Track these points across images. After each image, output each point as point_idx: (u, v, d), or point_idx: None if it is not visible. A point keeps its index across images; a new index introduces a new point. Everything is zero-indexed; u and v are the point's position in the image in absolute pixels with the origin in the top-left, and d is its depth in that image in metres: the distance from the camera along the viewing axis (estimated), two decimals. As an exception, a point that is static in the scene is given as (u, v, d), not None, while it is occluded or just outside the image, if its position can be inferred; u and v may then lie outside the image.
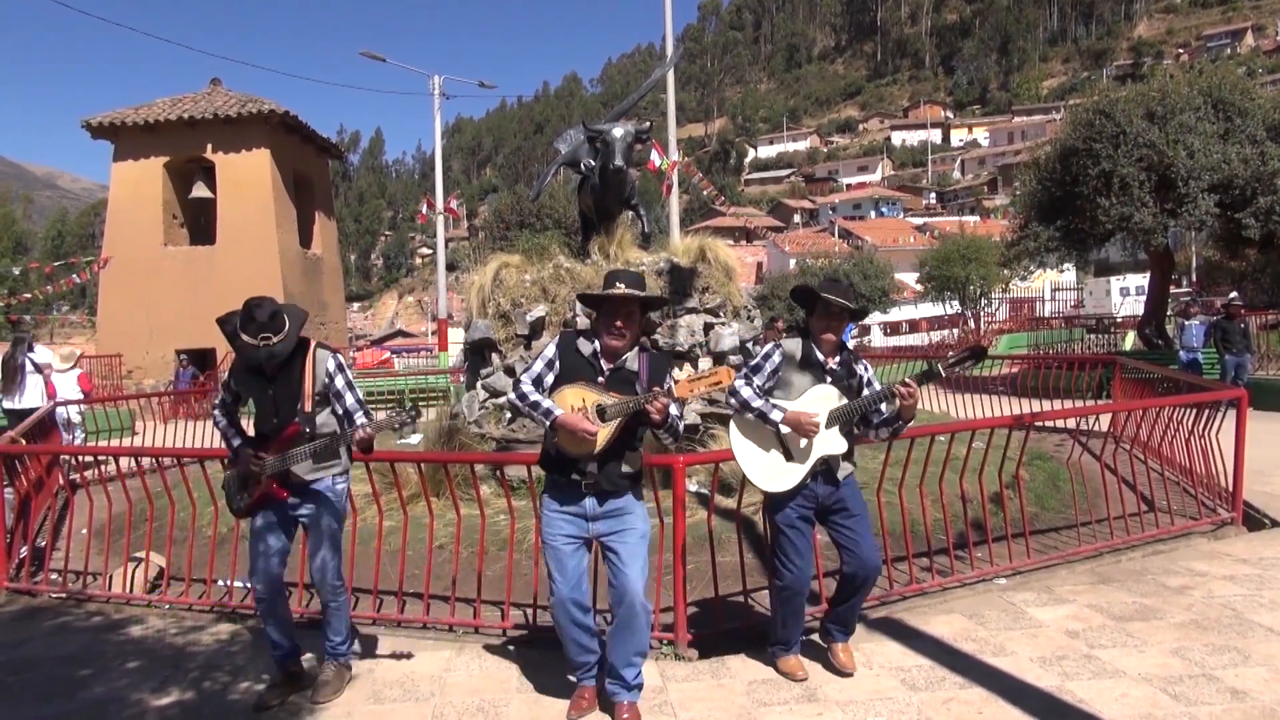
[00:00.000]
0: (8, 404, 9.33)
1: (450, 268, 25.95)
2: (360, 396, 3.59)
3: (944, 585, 4.74)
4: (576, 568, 3.28)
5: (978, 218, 59.58)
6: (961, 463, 5.14)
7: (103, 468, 7.22)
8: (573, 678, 3.47)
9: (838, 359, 3.59)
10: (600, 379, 3.29)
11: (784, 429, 3.45)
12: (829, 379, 3.53)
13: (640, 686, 3.36)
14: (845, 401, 3.49)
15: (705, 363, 7.11)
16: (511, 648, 4.14)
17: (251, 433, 3.64)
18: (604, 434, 3.19)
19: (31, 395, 9.25)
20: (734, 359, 7.13)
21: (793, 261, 43.11)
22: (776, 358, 3.57)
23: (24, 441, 6.48)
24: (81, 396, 10.24)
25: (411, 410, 3.44)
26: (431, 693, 3.65)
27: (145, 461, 5.80)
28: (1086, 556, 5.17)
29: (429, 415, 11.41)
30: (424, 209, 24.82)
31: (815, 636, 4.02)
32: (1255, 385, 11.48)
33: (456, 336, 20.39)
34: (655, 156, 17.01)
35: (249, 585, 4.35)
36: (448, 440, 6.97)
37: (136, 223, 18.20)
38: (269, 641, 3.66)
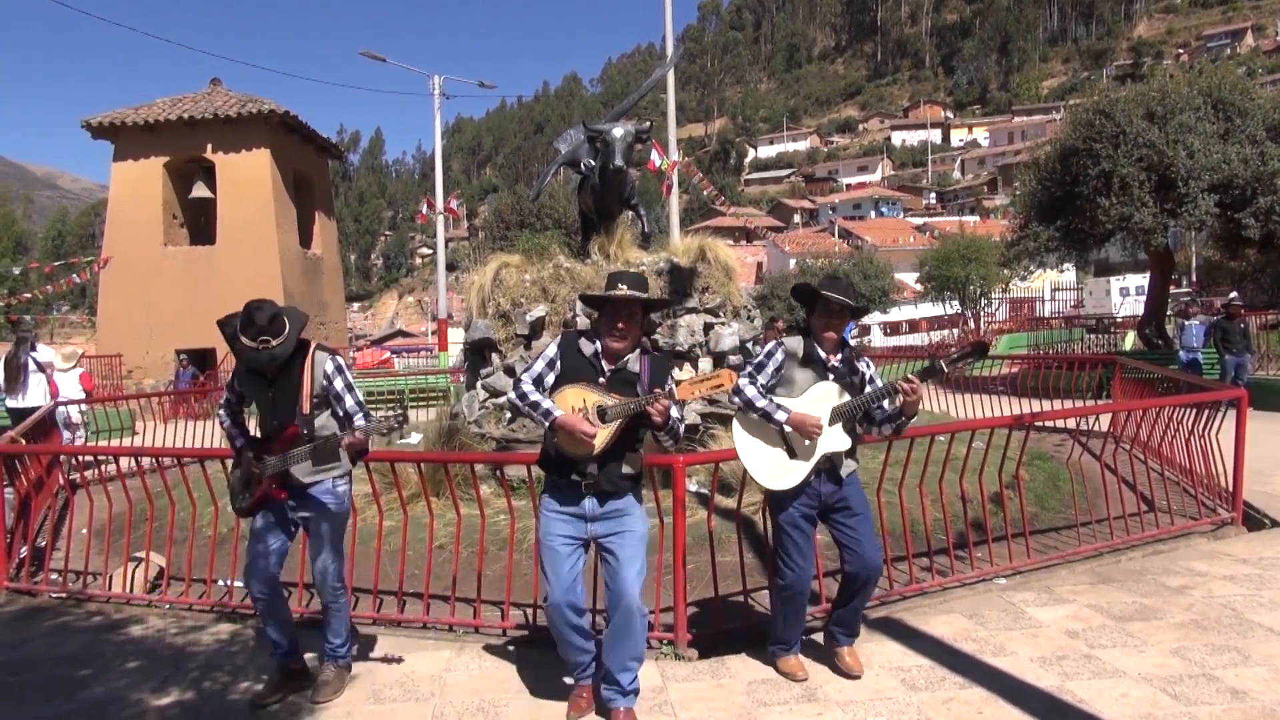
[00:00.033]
0: (11, 403, 9.36)
1: (450, 268, 25.96)
2: (361, 399, 3.58)
3: (944, 585, 4.74)
4: (572, 570, 3.25)
5: (978, 218, 59.58)
6: (961, 463, 5.14)
7: (103, 468, 7.22)
8: (569, 679, 3.46)
9: (840, 356, 3.59)
10: (601, 380, 3.28)
11: (787, 428, 3.45)
12: (831, 376, 3.53)
13: (636, 692, 3.35)
14: (848, 398, 3.49)
15: (705, 363, 7.11)
16: (511, 648, 4.14)
17: (256, 433, 3.64)
18: (604, 435, 3.18)
19: (34, 394, 9.28)
20: (734, 359, 7.13)
21: (793, 261, 43.11)
22: (779, 355, 3.57)
23: (24, 441, 6.49)
24: (83, 396, 10.27)
25: (399, 415, 3.40)
26: (431, 693, 3.65)
27: (145, 461, 5.80)
28: (1086, 556, 5.17)
29: (429, 415, 11.43)
30: (424, 209, 24.82)
31: (815, 636, 4.02)
32: (1255, 385, 11.47)
33: (456, 336, 20.38)
34: (655, 156, 17.01)
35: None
36: (448, 440, 6.97)
37: (136, 223, 18.21)
38: (269, 640, 3.66)
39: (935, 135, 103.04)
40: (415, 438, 8.81)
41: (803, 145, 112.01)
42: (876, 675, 3.68)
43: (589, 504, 3.27)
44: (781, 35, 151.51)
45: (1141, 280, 27.22)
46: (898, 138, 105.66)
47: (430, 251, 72.99)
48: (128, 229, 18.27)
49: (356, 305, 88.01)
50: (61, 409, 9.58)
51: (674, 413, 3.23)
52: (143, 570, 5.15)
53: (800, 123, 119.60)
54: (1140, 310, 20.73)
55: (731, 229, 51.12)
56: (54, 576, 5.40)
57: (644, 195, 9.01)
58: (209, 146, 18.29)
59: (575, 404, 3.20)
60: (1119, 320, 25.95)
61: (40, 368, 9.47)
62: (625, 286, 3.28)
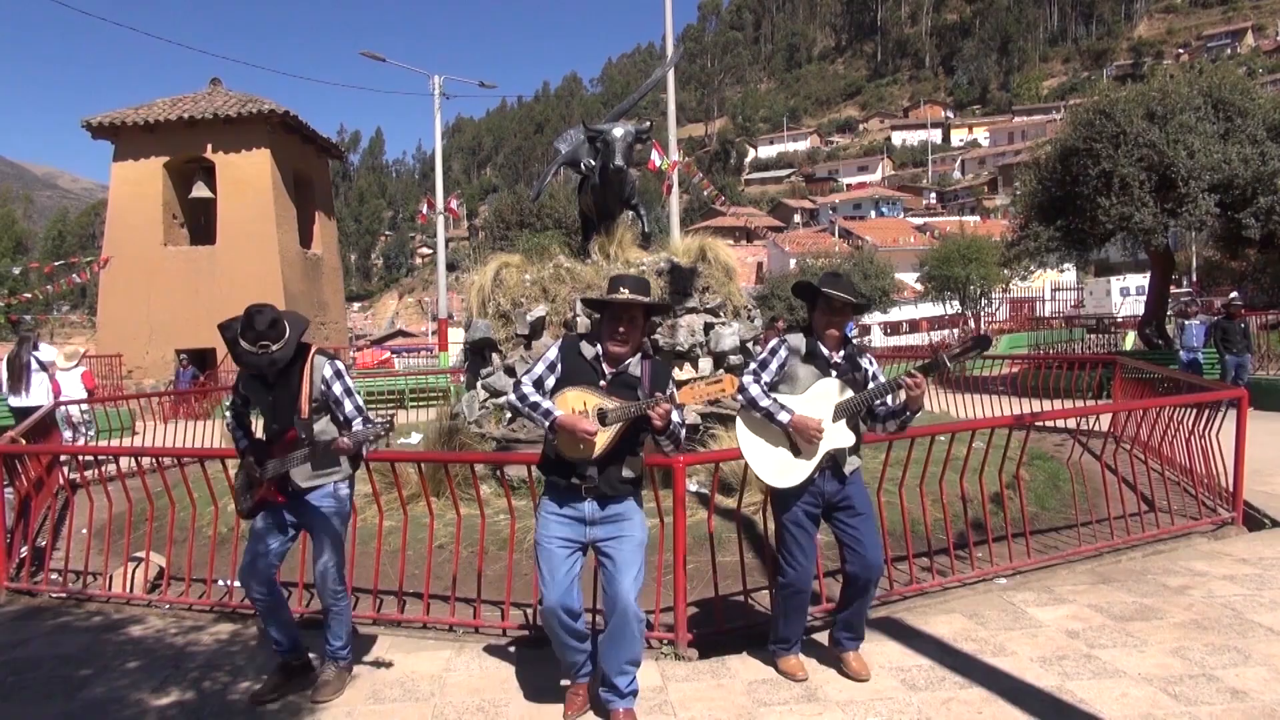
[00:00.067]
0: (14, 401, 9.43)
1: (450, 268, 25.94)
2: (360, 403, 3.57)
3: (944, 585, 4.74)
4: (569, 574, 3.23)
5: (978, 218, 59.61)
6: (962, 463, 5.14)
7: (103, 468, 7.22)
8: (566, 681, 3.45)
9: (842, 353, 3.59)
10: (602, 383, 3.27)
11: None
12: (834, 373, 3.53)
13: (635, 693, 3.34)
14: (851, 394, 3.49)
15: (705, 362, 7.11)
16: (511, 648, 4.14)
17: (261, 436, 3.65)
18: (604, 438, 3.17)
19: (38, 393, 9.36)
20: (734, 359, 7.13)
21: (793, 261, 43.12)
22: (783, 353, 3.57)
23: (24, 441, 6.49)
24: (85, 395, 10.30)
25: (385, 423, 3.38)
26: (431, 692, 3.65)
27: (145, 461, 5.79)
28: (1087, 556, 5.17)
29: (429, 415, 11.42)
30: (424, 209, 24.83)
31: (816, 636, 4.02)
32: (1255, 385, 11.48)
33: (457, 336, 20.38)
34: (655, 156, 17.01)
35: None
36: (448, 440, 6.97)
37: (136, 223, 18.21)
38: (270, 638, 3.69)
39: (935, 135, 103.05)
40: (415, 438, 8.81)
41: (803, 145, 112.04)
42: (876, 675, 3.67)
43: (589, 507, 3.26)
44: (781, 35, 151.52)
45: (1142, 280, 27.23)
46: (898, 138, 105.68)
47: (430, 251, 73.04)
48: (128, 229, 18.27)
49: (357, 305, 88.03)
50: (65, 408, 9.64)
51: (675, 417, 3.22)
52: (143, 570, 5.15)
53: (800, 123, 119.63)
54: (1140, 310, 20.73)
55: (732, 229, 51.14)
56: (54, 576, 5.40)
57: (644, 195, 9.01)
58: (209, 146, 18.30)
59: (576, 406, 3.19)
60: (1119, 320, 25.97)
61: (43, 367, 9.53)
62: (627, 290, 3.27)
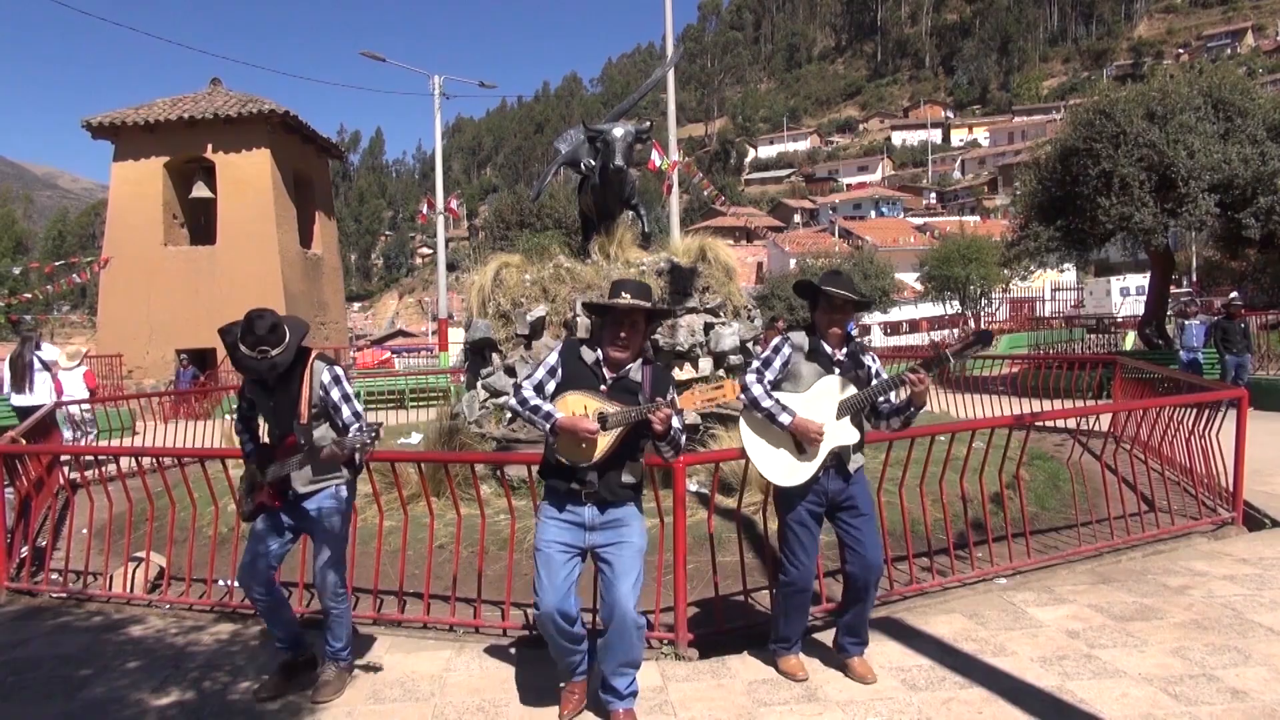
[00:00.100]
0: (17, 400, 9.48)
1: (450, 268, 25.94)
2: (358, 409, 3.55)
3: (944, 585, 4.74)
4: (567, 579, 3.22)
5: (978, 218, 59.62)
6: (962, 463, 5.14)
7: (103, 468, 7.22)
8: (562, 684, 3.43)
9: (845, 350, 3.59)
10: (603, 387, 3.25)
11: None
12: (837, 370, 3.53)
13: (635, 694, 3.34)
14: (854, 391, 3.49)
15: (705, 362, 7.11)
16: (512, 648, 4.14)
17: (266, 439, 3.66)
18: (604, 442, 3.16)
19: (42, 391, 9.42)
20: (734, 359, 7.13)
21: (793, 261, 43.12)
22: (786, 350, 3.57)
23: (24, 441, 6.49)
24: (87, 394, 10.33)
25: (372, 432, 3.34)
26: (431, 692, 3.65)
27: (145, 461, 5.80)
28: (1087, 556, 5.17)
29: (429, 415, 11.42)
30: (424, 209, 24.85)
31: (816, 635, 4.02)
32: (1255, 385, 11.48)
33: (457, 336, 20.39)
34: (655, 156, 17.02)
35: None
36: (448, 440, 6.98)
37: (137, 223, 18.21)
38: (273, 635, 3.73)
39: (935, 135, 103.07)
40: (415, 438, 8.81)
41: (803, 145, 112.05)
42: (877, 675, 3.67)
43: (588, 512, 3.24)
44: (781, 35, 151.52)
45: (1142, 280, 27.24)
46: (898, 138, 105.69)
47: (430, 251, 73.05)
48: (128, 229, 18.27)
49: (357, 305, 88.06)
50: (68, 408, 9.69)
51: (675, 423, 3.21)
52: (143, 570, 5.16)
53: (800, 123, 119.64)
54: (1140, 310, 20.74)
55: (732, 229, 51.15)
56: (54, 576, 5.41)
57: (644, 195, 9.02)
58: (209, 146, 18.29)
59: (576, 410, 3.18)
60: (1119, 320, 25.98)
61: (45, 366, 9.59)
62: (629, 295, 3.25)
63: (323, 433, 3.53)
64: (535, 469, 3.69)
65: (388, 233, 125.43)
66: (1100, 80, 64.01)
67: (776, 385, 3.54)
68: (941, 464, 4.98)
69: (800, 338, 3.59)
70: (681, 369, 6.97)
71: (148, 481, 5.52)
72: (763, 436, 3.53)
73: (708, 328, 7.16)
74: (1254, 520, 5.94)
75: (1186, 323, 13.58)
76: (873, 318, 34.84)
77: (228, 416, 10.48)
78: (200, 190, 18.36)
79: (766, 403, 3.45)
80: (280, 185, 18.62)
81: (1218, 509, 5.92)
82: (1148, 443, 6.69)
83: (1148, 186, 13.62)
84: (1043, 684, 3.54)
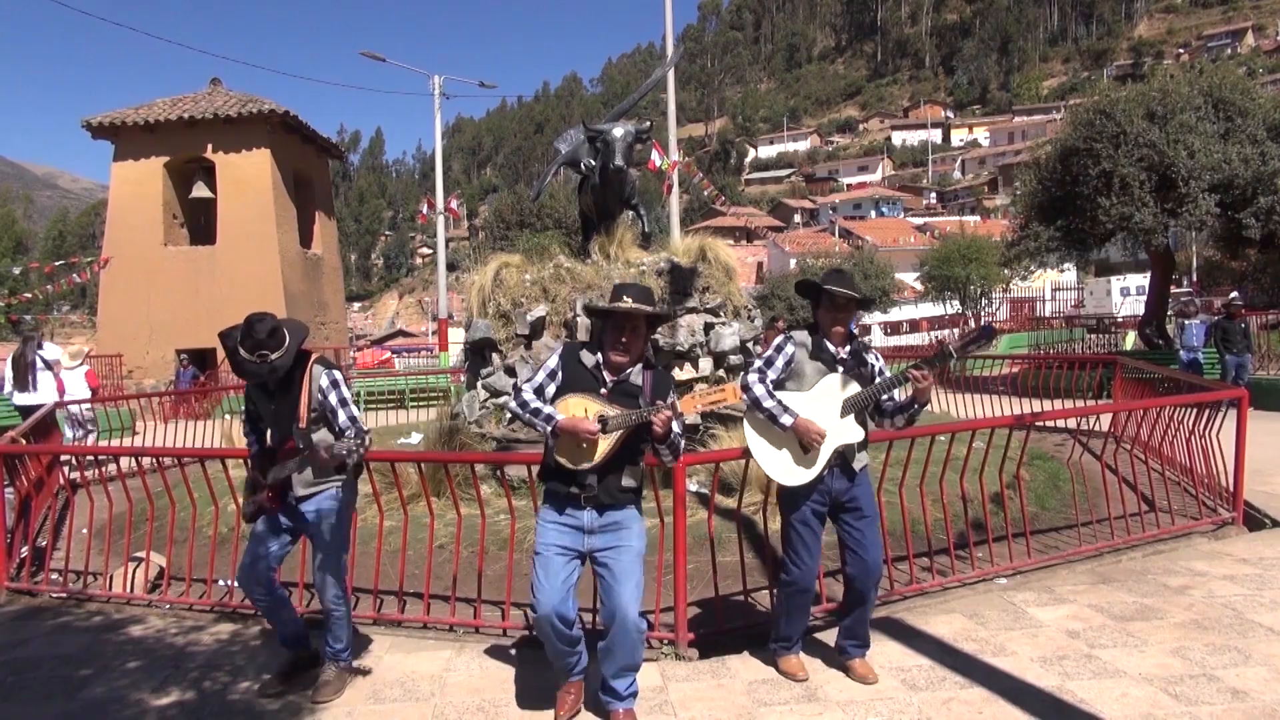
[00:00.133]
0: (20, 399, 9.50)
1: (451, 267, 25.94)
2: (354, 413, 3.53)
3: (944, 585, 4.74)
4: (565, 581, 3.20)
5: (978, 218, 59.62)
6: (962, 463, 5.14)
7: (103, 468, 7.23)
8: (560, 682, 3.42)
9: (848, 348, 3.58)
10: (603, 390, 3.24)
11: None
12: (841, 369, 3.52)
13: (635, 694, 3.34)
14: (858, 389, 3.48)
15: (705, 362, 7.11)
16: (512, 648, 4.14)
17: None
18: (604, 445, 3.15)
19: (45, 390, 9.45)
20: (734, 358, 7.13)
21: (793, 261, 43.13)
22: (789, 349, 3.56)
23: (24, 441, 6.49)
24: (89, 394, 10.36)
25: (359, 440, 3.31)
26: (431, 693, 3.65)
27: (145, 461, 5.79)
28: (1087, 556, 5.17)
29: (429, 415, 11.41)
30: (424, 209, 24.85)
31: (817, 636, 4.02)
32: (1256, 385, 11.48)
33: (457, 336, 20.39)
34: (655, 156, 17.02)
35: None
36: (448, 440, 6.97)
37: (137, 223, 18.21)
38: (277, 634, 3.77)
39: (935, 135, 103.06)
40: (415, 438, 8.82)
41: (803, 145, 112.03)
42: (877, 675, 3.67)
43: (587, 516, 3.23)
44: (781, 35, 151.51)
45: (1142, 280, 27.25)
46: (898, 138, 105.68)
47: (430, 251, 73.07)
48: (128, 229, 18.26)
49: (357, 305, 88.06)
50: (72, 407, 9.72)
51: (675, 427, 3.20)
52: (143, 570, 5.15)
53: (800, 123, 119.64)
54: (1140, 310, 20.74)
55: (732, 229, 51.15)
56: (54, 576, 5.40)
57: (644, 195, 9.01)
58: (209, 146, 18.29)
59: (577, 413, 3.17)
60: (1119, 320, 25.99)
61: (48, 365, 9.63)
62: (631, 299, 3.23)
63: (322, 436, 3.52)
64: (535, 469, 3.69)
65: (388, 233, 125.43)
66: (1100, 80, 63.99)
67: (780, 385, 3.53)
68: (941, 464, 4.98)
69: (803, 337, 3.58)
70: (681, 369, 6.97)
71: (148, 481, 5.52)
72: (767, 437, 3.52)
73: (708, 328, 7.16)
74: (1254, 520, 5.94)
75: (1186, 322, 13.57)
76: (873, 317, 34.84)
77: (228, 416, 10.48)
78: (200, 190, 18.35)
79: (769, 403, 3.44)
80: (280, 185, 18.62)
81: (1218, 509, 5.92)
82: (1148, 443, 6.69)
83: (1148, 186, 13.62)
84: (1043, 684, 3.54)
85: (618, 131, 6.79)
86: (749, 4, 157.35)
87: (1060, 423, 8.41)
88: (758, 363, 3.61)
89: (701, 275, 7.33)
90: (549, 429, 3.18)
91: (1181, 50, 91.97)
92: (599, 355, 3.31)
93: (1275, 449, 8.11)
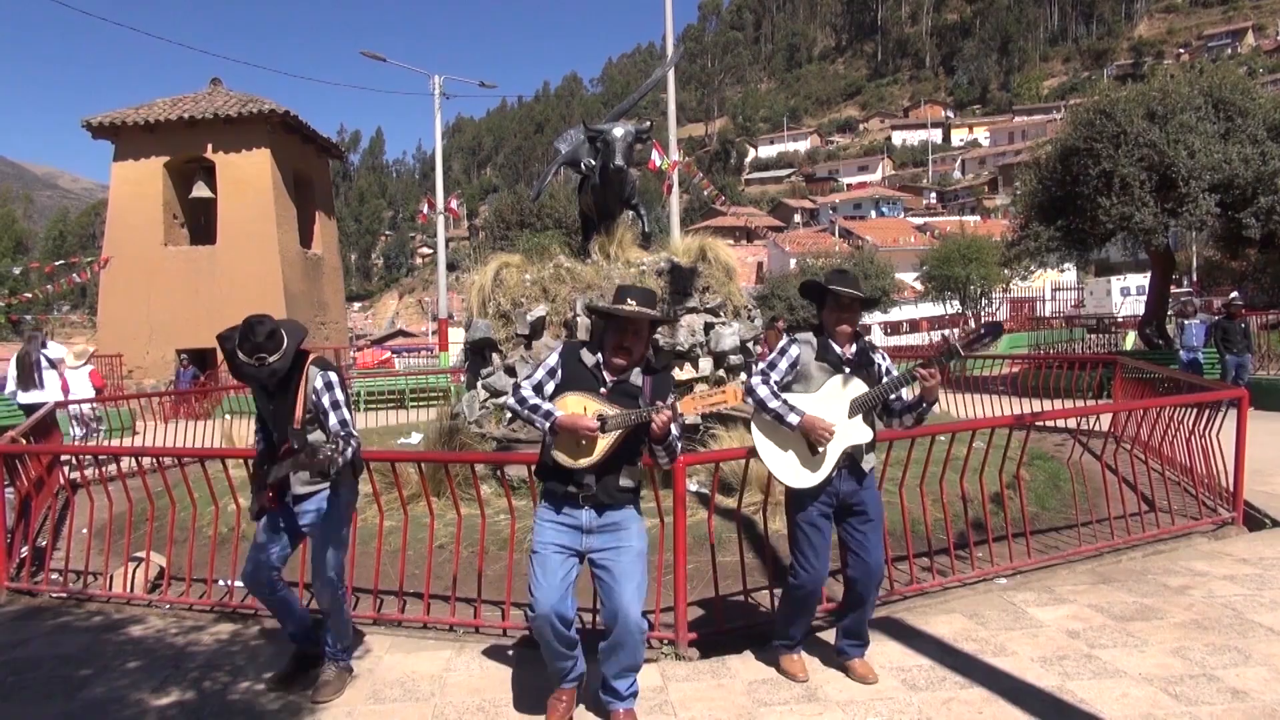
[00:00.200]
0: (23, 398, 9.53)
1: (451, 267, 25.94)
2: (346, 416, 3.50)
3: (944, 585, 4.74)
4: (565, 580, 3.19)
5: (978, 217, 59.61)
6: (962, 463, 5.14)
7: (103, 468, 7.23)
8: (553, 686, 3.39)
9: (854, 349, 3.57)
10: (603, 390, 3.23)
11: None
12: (847, 369, 3.51)
13: (635, 694, 3.34)
14: (865, 389, 3.47)
15: (705, 362, 7.11)
16: (512, 648, 4.14)
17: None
18: (603, 444, 3.14)
19: (51, 389, 9.49)
20: (734, 358, 7.14)
21: (793, 261, 43.11)
22: (794, 351, 3.54)
23: (24, 441, 6.49)
24: (94, 393, 10.37)
25: (331, 445, 3.26)
26: (431, 692, 3.65)
27: (146, 461, 5.79)
28: (1087, 556, 5.17)
29: (429, 415, 11.41)
30: (424, 209, 24.85)
31: (818, 635, 4.02)
32: (1256, 385, 11.48)
33: (457, 336, 20.39)
34: (655, 156, 17.02)
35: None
36: (448, 440, 6.97)
37: (137, 223, 18.20)
38: (286, 630, 3.80)
39: (935, 135, 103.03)
40: (415, 438, 8.82)
41: (803, 145, 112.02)
42: (877, 675, 3.67)
43: (586, 515, 3.21)
44: (781, 35, 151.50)
45: (1142, 280, 27.25)
46: (898, 137, 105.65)
47: (430, 251, 73.09)
48: (128, 229, 18.26)
49: (357, 305, 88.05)
50: (74, 406, 9.74)
51: (673, 429, 3.19)
52: (143, 570, 5.16)
53: (800, 122, 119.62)
54: (1140, 310, 20.73)
55: (732, 229, 51.15)
56: (54, 576, 5.41)
57: (644, 195, 9.02)
58: (209, 146, 18.28)
59: (576, 411, 3.16)
60: (1119, 320, 25.99)
61: (52, 364, 9.66)
62: (634, 302, 3.21)
63: (317, 437, 3.52)
64: (535, 468, 3.68)
65: (388, 233, 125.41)
66: (1100, 80, 63.93)
67: (787, 387, 3.52)
68: (941, 464, 4.98)
69: (808, 338, 3.57)
70: (681, 369, 6.97)
71: (148, 481, 5.52)
72: (774, 439, 3.50)
73: (708, 327, 7.17)
74: (1254, 520, 5.94)
75: (1186, 322, 13.57)
76: (873, 318, 34.80)
77: (228, 416, 10.48)
78: (200, 190, 18.35)
79: (774, 403, 3.42)
80: (280, 185, 18.62)
81: (1218, 509, 5.92)
82: (1148, 443, 6.69)
83: (1148, 186, 13.61)
84: (1043, 684, 3.54)
85: (618, 131, 6.79)
86: (749, 4, 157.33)
87: (1060, 423, 8.41)
88: (761, 365, 3.59)
89: (701, 275, 7.33)
90: (547, 425, 3.17)
91: (1182, 50, 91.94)
92: (599, 355, 3.30)
93: (1275, 449, 8.11)
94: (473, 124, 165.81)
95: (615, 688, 3.26)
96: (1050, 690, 3.48)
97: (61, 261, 26.09)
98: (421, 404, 14.08)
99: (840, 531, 3.62)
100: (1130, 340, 19.43)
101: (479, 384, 7.29)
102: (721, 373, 7.11)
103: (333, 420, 3.47)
